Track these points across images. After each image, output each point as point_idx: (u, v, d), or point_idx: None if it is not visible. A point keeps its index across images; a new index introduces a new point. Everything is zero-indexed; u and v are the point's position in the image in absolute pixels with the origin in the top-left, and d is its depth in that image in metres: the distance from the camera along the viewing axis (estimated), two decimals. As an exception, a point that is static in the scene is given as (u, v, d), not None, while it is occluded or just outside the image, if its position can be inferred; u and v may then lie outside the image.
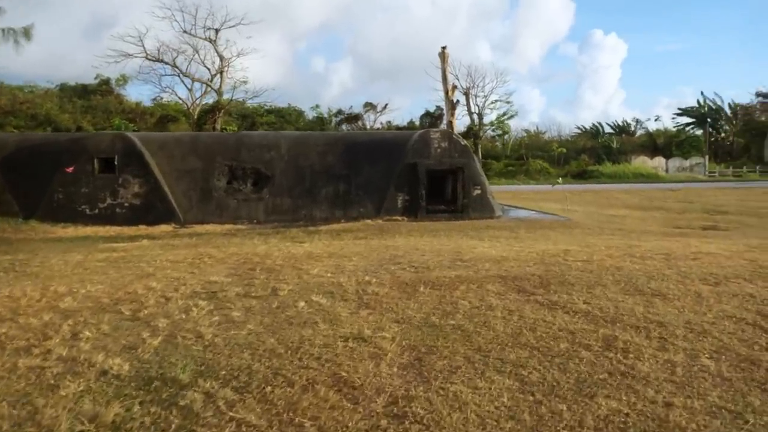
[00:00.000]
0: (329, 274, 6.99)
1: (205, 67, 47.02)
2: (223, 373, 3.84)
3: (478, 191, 17.06)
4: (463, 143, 17.21)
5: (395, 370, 3.88)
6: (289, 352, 4.22)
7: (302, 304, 5.55)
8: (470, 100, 57.52)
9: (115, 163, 15.07)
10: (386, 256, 8.45)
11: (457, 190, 17.18)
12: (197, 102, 50.01)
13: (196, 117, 44.59)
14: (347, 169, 16.81)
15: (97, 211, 14.91)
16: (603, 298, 5.59)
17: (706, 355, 4.16)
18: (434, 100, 77.22)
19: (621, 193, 30.19)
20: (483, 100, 58.32)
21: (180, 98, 51.75)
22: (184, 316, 5.19)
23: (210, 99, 49.97)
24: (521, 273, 6.73)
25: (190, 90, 50.69)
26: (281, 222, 16.01)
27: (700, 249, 9.30)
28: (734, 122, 66.09)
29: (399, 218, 16.43)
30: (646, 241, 11.49)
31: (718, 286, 6.18)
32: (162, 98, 50.24)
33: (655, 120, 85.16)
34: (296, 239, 12.53)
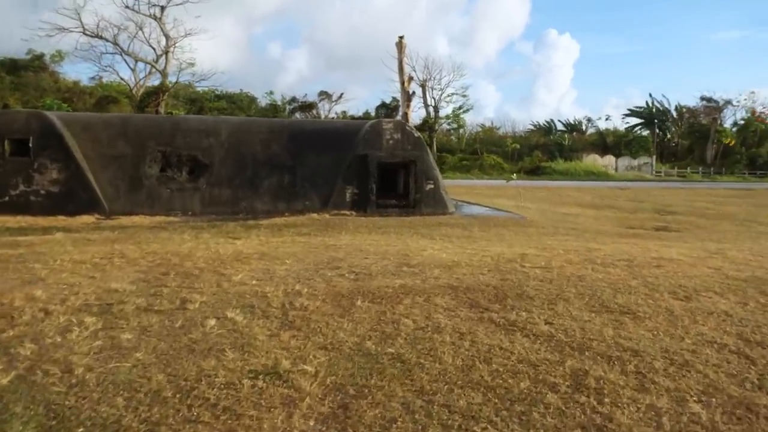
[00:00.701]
0: (254, 282, 6.03)
1: (150, 46, 44.81)
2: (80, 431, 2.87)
3: (431, 186, 16.31)
4: (416, 135, 16.41)
5: (311, 424, 2.99)
6: (179, 396, 3.27)
7: (212, 322, 4.58)
8: (426, 93, 56.97)
9: (30, 145, 13.56)
10: (325, 258, 7.54)
11: (409, 184, 16.38)
12: (141, 83, 47.68)
13: (138, 99, 42.35)
14: (293, 160, 15.77)
15: (7, 198, 13.39)
16: (567, 317, 4.85)
17: (694, 398, 3.43)
18: (391, 91, 76.35)
19: (573, 190, 30.10)
20: (439, 92, 57.87)
21: (122, 79, 49.29)
22: (59, 339, 4.15)
23: (156, 81, 47.72)
24: (474, 283, 5.93)
25: (133, 70, 48.30)
26: (219, 214, 14.85)
27: (661, 254, 8.76)
28: (680, 124, 67.83)
29: (347, 213, 15.52)
30: (603, 243, 10.96)
31: (690, 301, 5.53)
32: (101, 77, 47.57)
33: (606, 119, 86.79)
34: (231, 235, 11.46)
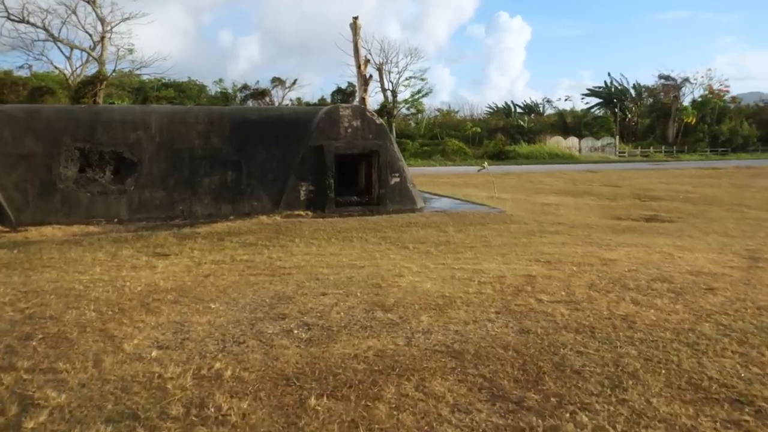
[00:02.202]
0: (155, 353, 3.99)
1: (86, 32, 41.27)
2: None
3: (397, 179, 14.36)
4: (378, 122, 14.40)
5: None
6: None
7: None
8: (383, 77, 54.86)
9: None
10: (268, 295, 5.51)
11: (372, 177, 14.39)
12: (77, 72, 44.13)
13: (74, 89, 38.93)
14: (237, 154, 13.56)
15: None
16: (652, 416, 2.98)
17: None
18: (347, 76, 73.96)
19: (543, 175, 28.63)
20: (397, 76, 55.82)
21: (56, 67, 45.53)
22: None
23: (95, 70, 44.14)
24: (484, 343, 4.02)
25: (68, 58, 44.63)
26: (151, 221, 12.57)
27: (692, 264, 7.07)
28: (639, 103, 67.61)
29: (302, 213, 13.43)
30: (608, 246, 9.26)
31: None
32: (31, 66, 43.80)
33: (565, 100, 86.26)
34: (159, 250, 9.30)
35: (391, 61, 54.86)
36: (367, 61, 37.86)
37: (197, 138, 13.45)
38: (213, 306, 5.12)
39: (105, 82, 37.26)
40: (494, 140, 51.93)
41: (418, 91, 56.88)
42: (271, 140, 13.80)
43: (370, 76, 38.27)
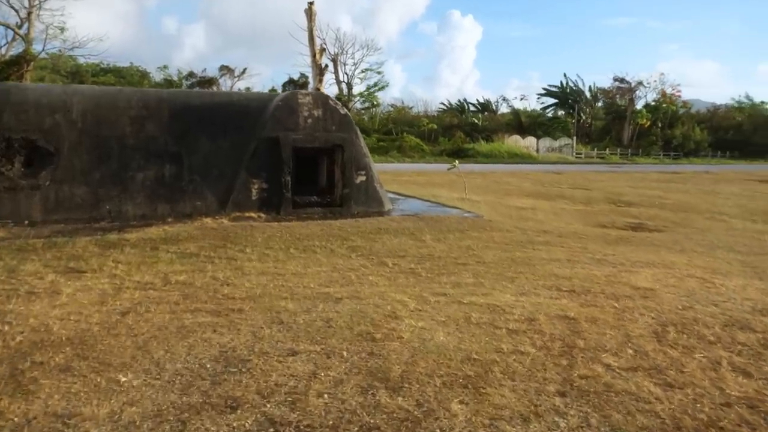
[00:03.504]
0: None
1: (11, 7, 37.59)
2: None
3: (363, 177, 12.68)
4: (343, 112, 12.65)
5: None
6: None
7: None
8: (338, 68, 52.88)
9: None
10: (210, 354, 3.76)
11: (335, 175, 12.66)
12: (2, 52, 40.31)
13: (-2, 70, 35.32)
14: (177, 144, 11.57)
15: None
16: None
17: None
18: (299, 66, 71.59)
19: (507, 175, 27.50)
20: (352, 68, 53.95)
21: (-21, 46, 41.46)
22: None
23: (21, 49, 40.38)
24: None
25: (-7, 36, 40.68)
26: (71, 223, 10.47)
27: (732, 289, 5.71)
28: (593, 105, 67.97)
29: (254, 215, 11.58)
30: (620, 264, 7.89)
31: None
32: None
33: (521, 99, 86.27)
34: (74, 264, 7.36)
35: (346, 52, 52.97)
36: (323, 49, 35.96)
37: (129, 125, 11.39)
38: (123, 379, 3.32)
39: (32, 63, 33.86)
40: (453, 138, 50.70)
41: (374, 84, 55.26)
42: (217, 129, 11.88)
43: (326, 65, 36.37)
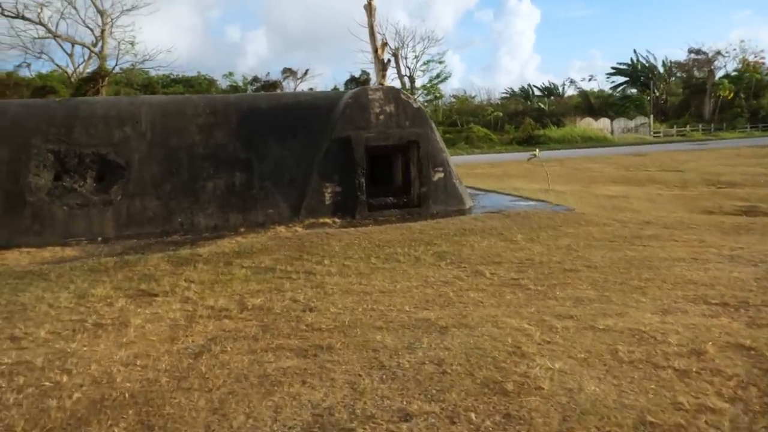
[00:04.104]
0: None
1: (86, 27, 38.96)
2: None
3: (441, 174, 11.79)
4: (416, 106, 11.80)
5: None
6: None
7: None
8: (400, 62, 51.97)
9: None
10: (302, 418, 2.99)
11: (411, 173, 11.83)
12: (80, 70, 41.94)
13: (75, 87, 36.69)
14: (246, 151, 11.08)
15: None
16: None
17: None
18: (360, 63, 71.44)
19: (586, 161, 25.85)
20: (414, 61, 52.93)
21: (58, 66, 43.35)
22: None
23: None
24: None
25: (70, 55, 42.42)
26: (143, 237, 10.16)
27: None
28: (667, 80, 63.97)
29: (328, 221, 10.93)
30: (746, 259, 6.66)
31: None
32: (29, 64, 41.66)
33: (589, 80, 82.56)
34: (145, 286, 6.90)
35: (407, 45, 51.99)
36: (385, 44, 35.15)
37: (197, 133, 10.98)
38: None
39: (107, 78, 34.89)
40: (522, 125, 48.76)
41: (437, 76, 54.00)
42: (286, 133, 11.30)
43: (389, 60, 35.59)
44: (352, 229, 10.21)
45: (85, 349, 4.36)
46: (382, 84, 35.62)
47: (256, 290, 6.39)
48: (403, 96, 11.75)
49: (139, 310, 5.74)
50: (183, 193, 10.70)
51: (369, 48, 37.11)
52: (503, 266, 7.06)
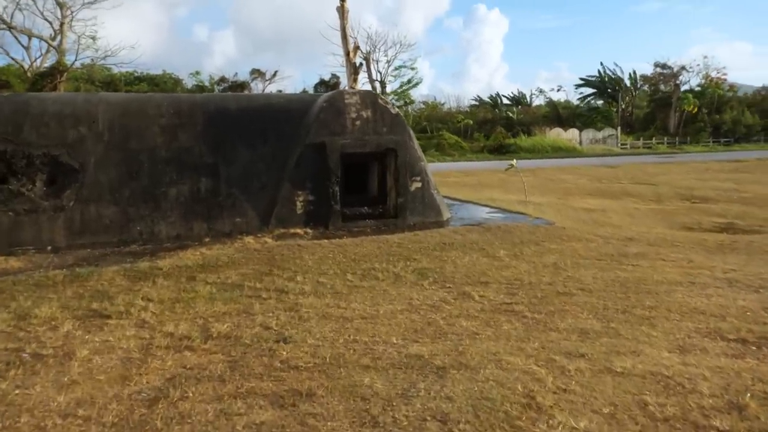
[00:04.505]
0: None
1: (45, 19, 37.33)
2: None
3: (418, 184, 11.29)
4: (394, 111, 11.27)
5: None
6: None
7: None
8: (371, 67, 51.48)
9: None
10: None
11: (388, 183, 11.30)
12: (36, 64, 40.21)
13: (31, 83, 35.04)
14: (213, 155, 10.37)
15: None
16: None
17: None
18: (331, 66, 70.72)
19: (559, 172, 25.76)
20: (386, 66, 52.52)
21: (14, 59, 41.46)
22: None
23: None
24: None
25: (26, 48, 40.64)
26: (98, 247, 9.36)
27: None
28: (633, 93, 65.08)
29: (300, 231, 10.30)
30: (743, 284, 6.33)
31: None
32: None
33: (558, 90, 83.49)
34: (97, 305, 6.20)
35: (378, 50, 51.55)
36: (357, 47, 34.53)
37: (160, 135, 10.24)
38: None
39: (66, 74, 33.40)
40: (493, 133, 48.70)
41: (408, 81, 53.71)
42: (256, 136, 10.65)
43: (360, 63, 35.05)
44: (326, 240, 9.60)
45: (17, 392, 3.66)
46: (353, 88, 35.05)
47: (222, 312, 5.75)
48: (380, 101, 11.22)
49: (87, 336, 5.05)
50: (143, 199, 9.92)
51: (340, 51, 36.52)
52: (491, 287, 6.57)
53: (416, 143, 11.68)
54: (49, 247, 9.30)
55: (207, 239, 9.79)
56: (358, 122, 10.81)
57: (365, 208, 11.31)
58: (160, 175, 10.05)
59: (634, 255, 8.77)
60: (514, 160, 15.50)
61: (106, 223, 9.69)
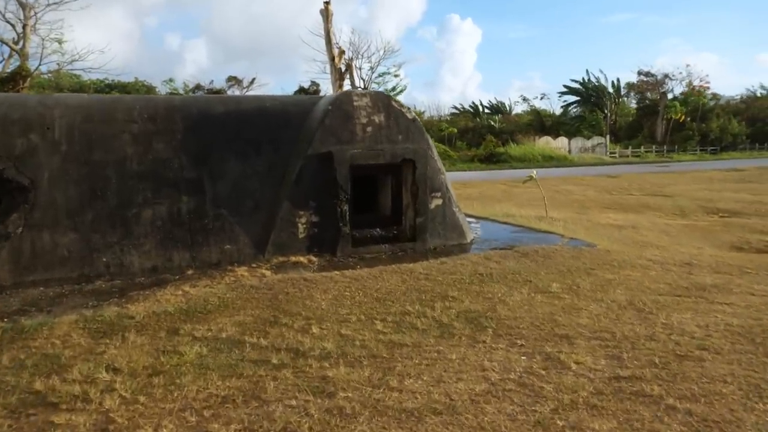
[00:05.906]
0: None
1: (6, 21, 34.93)
2: None
3: (439, 201, 9.64)
4: (410, 116, 9.61)
5: None
6: None
7: None
8: (354, 73, 49.82)
9: None
10: None
11: (404, 200, 9.63)
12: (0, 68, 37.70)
13: (-8, 89, 32.63)
14: (196, 168, 8.57)
15: None
16: None
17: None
18: (309, 74, 68.96)
19: (560, 182, 24.37)
20: (369, 72, 50.92)
21: (-27, 64, 38.84)
22: None
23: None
24: None
25: (-12, 53, 38.07)
26: (52, 285, 7.48)
27: None
28: (617, 101, 64.58)
29: (303, 260, 8.55)
30: None
31: None
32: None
33: (541, 98, 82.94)
34: (42, 382, 4.45)
35: (362, 56, 49.98)
36: (342, 51, 32.89)
37: (131, 144, 8.42)
38: None
39: (29, 79, 31.08)
40: (484, 142, 47.24)
41: (392, 89, 52.18)
42: (248, 146, 8.90)
43: (346, 68, 33.43)
44: (337, 272, 7.87)
45: None
46: (337, 95, 33.36)
47: (220, 398, 4.01)
48: (395, 104, 9.56)
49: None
50: (110, 223, 8.06)
51: (320, 57, 34.92)
52: (579, 346, 4.94)
53: (436, 153, 10.05)
54: (-10, 286, 7.40)
55: (190, 272, 7.98)
56: (369, 129, 9.14)
57: (377, 229, 9.62)
58: (131, 194, 8.20)
59: (713, 287, 7.25)
60: (534, 172, 14.00)
61: (63, 254, 7.80)
